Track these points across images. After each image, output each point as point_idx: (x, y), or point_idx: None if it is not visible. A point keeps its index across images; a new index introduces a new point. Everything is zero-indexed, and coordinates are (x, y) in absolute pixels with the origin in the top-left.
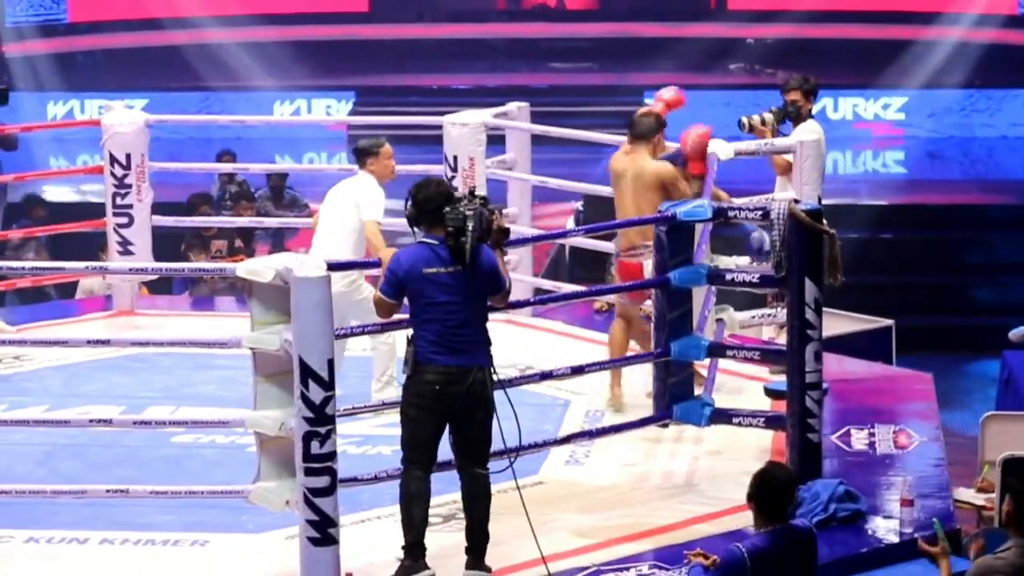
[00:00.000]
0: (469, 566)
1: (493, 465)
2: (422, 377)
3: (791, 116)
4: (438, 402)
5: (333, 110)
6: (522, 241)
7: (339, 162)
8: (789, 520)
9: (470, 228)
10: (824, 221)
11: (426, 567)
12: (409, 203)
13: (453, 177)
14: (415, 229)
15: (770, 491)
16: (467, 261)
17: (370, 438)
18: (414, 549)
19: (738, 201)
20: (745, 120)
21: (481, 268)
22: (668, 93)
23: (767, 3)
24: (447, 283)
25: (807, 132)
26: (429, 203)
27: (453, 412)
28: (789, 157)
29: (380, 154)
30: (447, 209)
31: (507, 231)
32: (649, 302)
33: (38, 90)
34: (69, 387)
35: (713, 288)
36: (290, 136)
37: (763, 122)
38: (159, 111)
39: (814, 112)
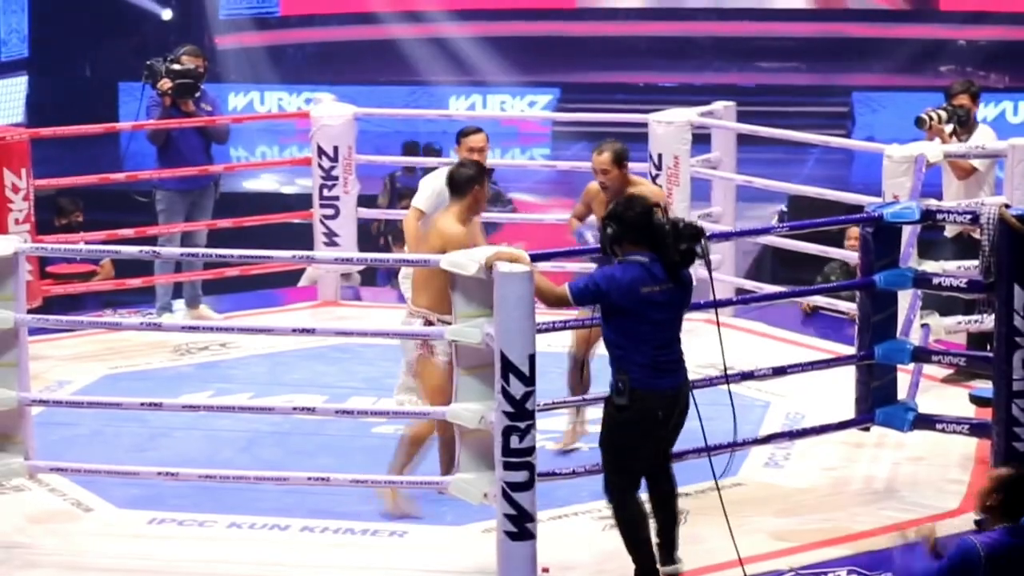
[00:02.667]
0: (663, 561)
1: (695, 465)
2: (645, 404)
3: (962, 120)
4: (658, 426)
5: (507, 106)
6: (723, 235)
7: (540, 157)
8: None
9: (703, 242)
10: None
11: None
12: (613, 223)
13: (657, 175)
14: (615, 248)
15: (1017, 493)
16: (709, 272)
17: None
18: (654, 571)
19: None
20: (934, 114)
21: (689, 282)
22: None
23: (980, 4)
24: (661, 301)
25: (989, 137)
26: (639, 220)
27: (665, 431)
28: (975, 162)
29: (461, 143)
30: (682, 224)
31: None
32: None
33: (248, 81)
34: (274, 375)
35: (919, 292)
36: (494, 131)
37: (940, 120)
38: (362, 105)
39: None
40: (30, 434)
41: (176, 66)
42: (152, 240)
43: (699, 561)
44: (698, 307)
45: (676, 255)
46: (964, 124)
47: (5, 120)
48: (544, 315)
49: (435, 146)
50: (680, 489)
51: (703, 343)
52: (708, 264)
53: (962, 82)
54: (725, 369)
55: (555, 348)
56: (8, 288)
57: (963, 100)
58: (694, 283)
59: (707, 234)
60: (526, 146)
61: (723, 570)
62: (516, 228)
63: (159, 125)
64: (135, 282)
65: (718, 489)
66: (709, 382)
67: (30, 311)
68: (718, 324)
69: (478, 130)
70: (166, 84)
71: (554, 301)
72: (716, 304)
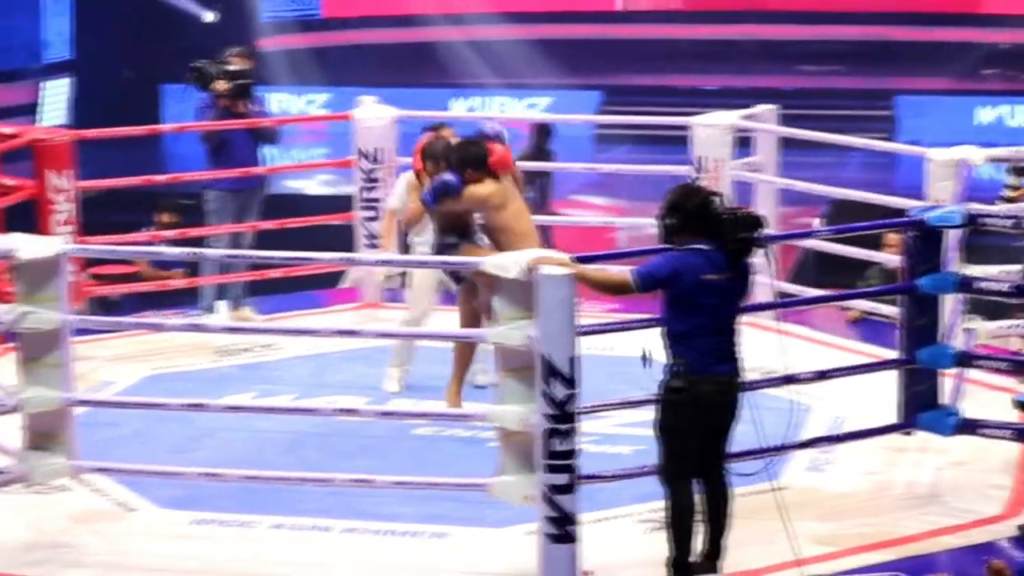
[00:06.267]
0: (704, 568)
1: (741, 469)
2: (700, 388)
3: None
4: (713, 412)
5: (507, 107)
6: (767, 239)
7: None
8: None
9: (763, 230)
10: None
11: None
12: (672, 212)
13: (699, 178)
14: (674, 239)
15: None
16: (769, 261)
17: (610, 437)
18: (687, 565)
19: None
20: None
21: (749, 272)
22: None
23: (1023, 7)
24: (721, 288)
25: None
26: (698, 211)
27: (720, 420)
28: None
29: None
30: (741, 212)
31: None
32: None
33: (293, 83)
34: (317, 377)
35: (962, 296)
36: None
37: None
38: (403, 107)
39: None
40: (74, 434)
41: (230, 67)
42: (195, 242)
43: (738, 565)
44: (747, 310)
45: (734, 244)
46: None
47: (49, 122)
48: (586, 318)
49: None
50: None
51: (747, 347)
52: (767, 253)
53: None
54: (786, 367)
55: (597, 351)
56: (52, 289)
57: None
58: (753, 272)
59: (763, 224)
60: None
61: (763, 574)
62: (559, 231)
63: (212, 127)
64: (178, 283)
65: (774, 491)
66: (752, 386)
67: (74, 312)
68: (779, 318)
69: (445, 125)
70: (223, 86)
71: (613, 289)
72: (779, 305)
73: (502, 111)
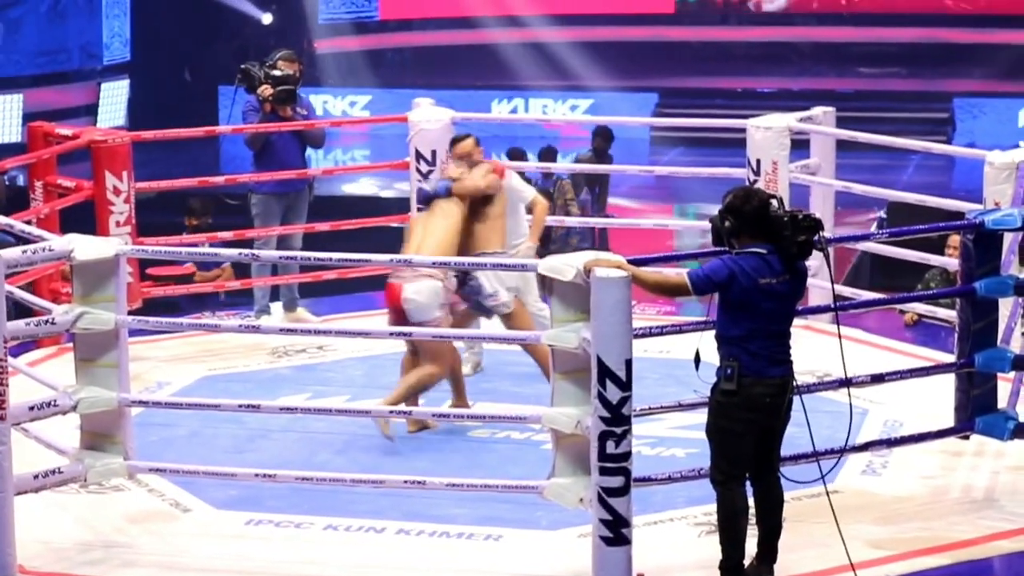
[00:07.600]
0: (757, 571)
1: (794, 472)
2: (752, 390)
3: None
4: (765, 415)
5: (549, 110)
6: (826, 242)
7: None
8: None
9: (821, 234)
10: None
11: None
12: (730, 214)
13: (755, 181)
14: (732, 242)
15: None
16: (829, 263)
17: (664, 440)
18: (739, 568)
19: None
20: None
21: (805, 273)
22: None
23: None
24: (777, 292)
25: None
26: (757, 213)
27: (772, 423)
28: None
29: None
30: (800, 215)
31: None
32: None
33: (340, 85)
34: (371, 378)
35: (1020, 300)
36: (539, 135)
37: None
38: (459, 109)
39: None
40: (130, 434)
41: (275, 72)
42: (249, 243)
43: (788, 570)
44: (804, 312)
45: (794, 247)
46: None
47: (107, 123)
48: (641, 320)
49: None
50: None
51: (802, 350)
52: (827, 255)
53: None
54: (845, 370)
55: (652, 353)
56: (109, 289)
57: None
58: (809, 275)
59: (822, 227)
60: (567, 150)
61: None
62: (614, 233)
63: (258, 129)
64: (233, 284)
65: (828, 494)
66: (807, 389)
67: (130, 312)
68: (837, 320)
69: (467, 136)
70: (267, 91)
71: (669, 292)
72: (836, 307)
73: (544, 113)
